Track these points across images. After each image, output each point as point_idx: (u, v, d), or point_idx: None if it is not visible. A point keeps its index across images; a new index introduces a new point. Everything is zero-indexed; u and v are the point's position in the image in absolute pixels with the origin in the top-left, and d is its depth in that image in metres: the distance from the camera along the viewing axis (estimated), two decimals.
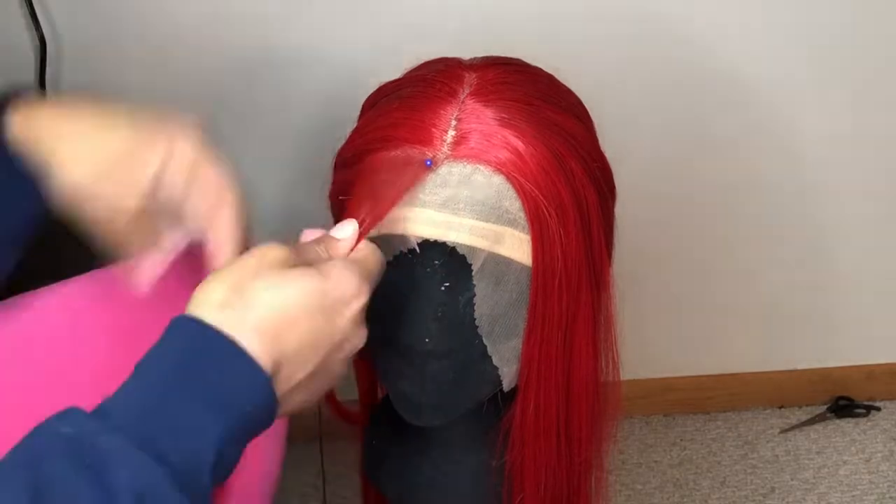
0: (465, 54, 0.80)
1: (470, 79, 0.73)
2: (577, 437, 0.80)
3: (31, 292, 0.80)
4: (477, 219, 0.70)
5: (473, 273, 0.71)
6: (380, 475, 0.94)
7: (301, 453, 1.04)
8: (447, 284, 0.72)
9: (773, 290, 1.52)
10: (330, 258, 0.65)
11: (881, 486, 1.52)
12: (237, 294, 0.59)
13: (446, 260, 0.71)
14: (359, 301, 0.63)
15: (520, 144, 0.69)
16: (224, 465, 0.57)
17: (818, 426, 1.61)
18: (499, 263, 0.71)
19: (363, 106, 0.79)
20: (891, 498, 1.50)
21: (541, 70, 0.78)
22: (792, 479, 1.52)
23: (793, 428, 1.60)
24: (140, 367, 0.57)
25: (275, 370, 0.58)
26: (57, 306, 0.79)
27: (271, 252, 0.62)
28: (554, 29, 1.22)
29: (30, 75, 1.20)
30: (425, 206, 0.70)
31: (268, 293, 0.59)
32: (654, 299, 1.47)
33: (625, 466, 1.53)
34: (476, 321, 0.73)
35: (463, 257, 0.71)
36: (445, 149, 0.70)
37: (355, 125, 0.77)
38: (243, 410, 0.57)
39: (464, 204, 0.70)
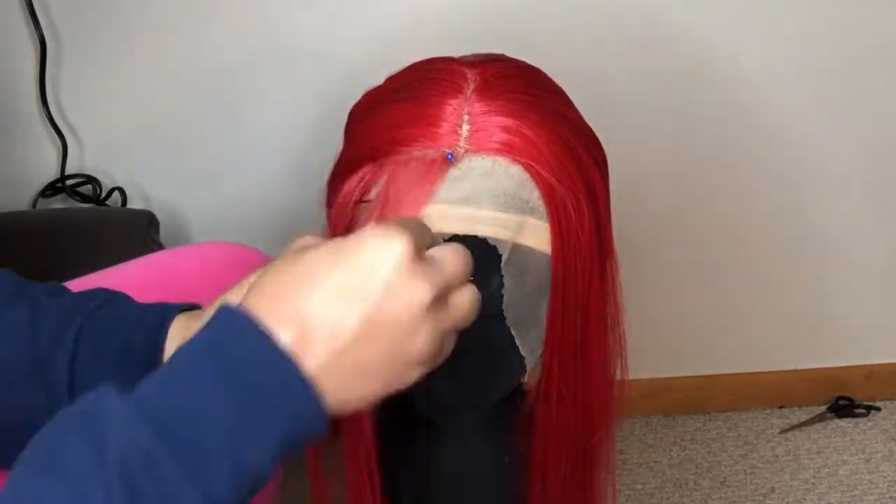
0: (457, 53, 0.80)
1: (472, 75, 0.74)
2: (591, 426, 0.81)
3: None
4: (499, 210, 0.71)
5: (503, 264, 0.72)
6: (392, 475, 0.94)
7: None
8: (472, 279, 0.73)
9: (773, 290, 1.52)
10: None
11: (881, 486, 1.52)
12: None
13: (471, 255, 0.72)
14: (396, 249, 0.54)
15: (534, 134, 0.70)
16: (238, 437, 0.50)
17: (818, 426, 1.61)
18: (522, 253, 0.72)
19: (353, 114, 0.78)
20: (891, 498, 1.50)
21: (529, 63, 0.79)
22: (792, 479, 1.52)
23: (793, 428, 1.60)
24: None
25: (296, 332, 0.52)
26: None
27: None
28: (558, 30, 1.23)
29: (30, 75, 1.20)
30: (447, 203, 0.70)
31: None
32: (653, 299, 1.47)
33: (625, 466, 1.53)
34: (504, 312, 0.74)
35: (491, 249, 0.71)
36: (463, 143, 0.71)
37: (346, 135, 0.77)
38: (248, 374, 0.51)
39: (486, 196, 0.70)
